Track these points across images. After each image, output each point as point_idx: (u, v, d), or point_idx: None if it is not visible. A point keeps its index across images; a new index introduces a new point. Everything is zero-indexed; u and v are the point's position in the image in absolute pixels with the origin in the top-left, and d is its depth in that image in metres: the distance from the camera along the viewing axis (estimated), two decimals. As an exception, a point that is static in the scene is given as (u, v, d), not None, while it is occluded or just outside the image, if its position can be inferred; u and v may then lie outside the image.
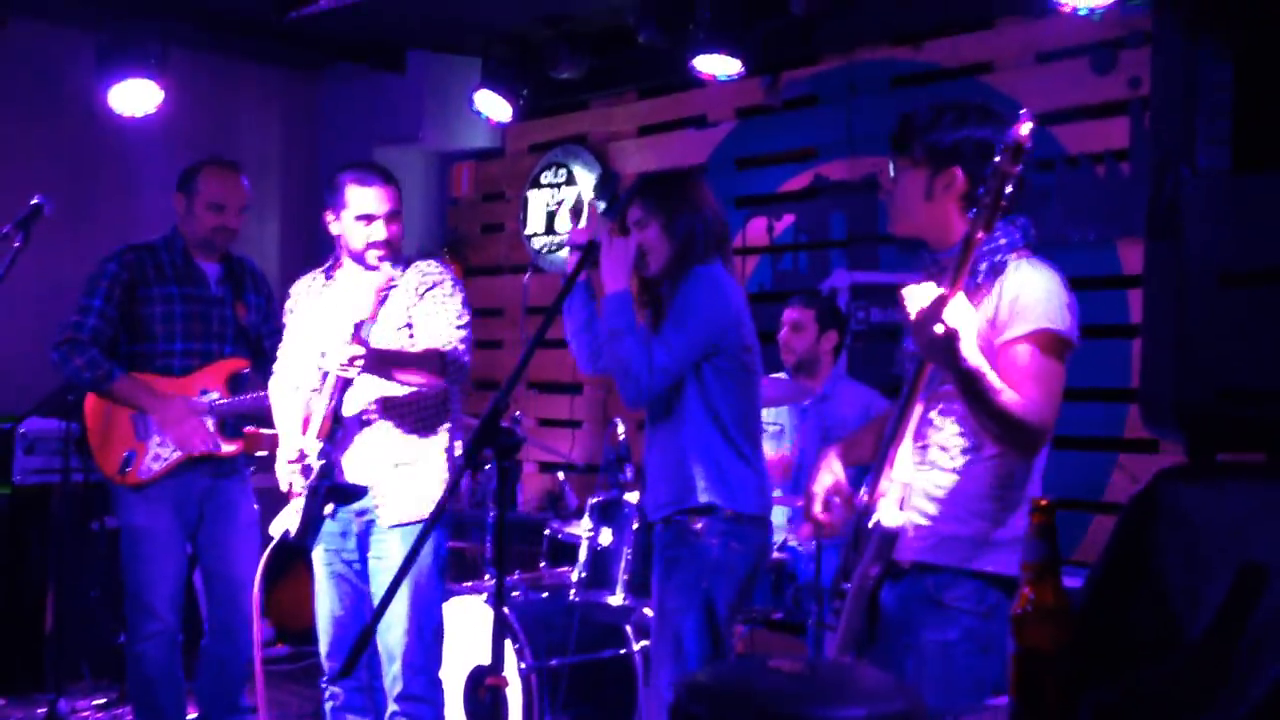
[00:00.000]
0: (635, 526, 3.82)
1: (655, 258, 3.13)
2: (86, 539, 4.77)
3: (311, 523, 3.30)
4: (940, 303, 2.05)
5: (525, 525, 5.13)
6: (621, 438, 4.14)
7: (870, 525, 2.29)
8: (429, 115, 6.09)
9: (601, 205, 3.18)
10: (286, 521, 3.33)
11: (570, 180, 6.08)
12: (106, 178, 5.65)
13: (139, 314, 3.90)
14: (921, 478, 2.31)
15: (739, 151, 5.43)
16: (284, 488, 3.37)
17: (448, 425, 3.47)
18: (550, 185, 6.17)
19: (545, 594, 4.22)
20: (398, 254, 3.42)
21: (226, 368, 3.99)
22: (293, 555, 3.49)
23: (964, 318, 2.07)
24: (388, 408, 3.38)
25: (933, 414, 2.31)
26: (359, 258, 3.40)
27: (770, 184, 5.30)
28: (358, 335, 3.18)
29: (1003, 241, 2.28)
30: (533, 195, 6.26)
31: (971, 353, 2.09)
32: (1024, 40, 4.46)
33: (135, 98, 4.99)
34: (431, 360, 3.32)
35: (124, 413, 3.90)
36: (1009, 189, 1.99)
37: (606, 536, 3.85)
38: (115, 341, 3.91)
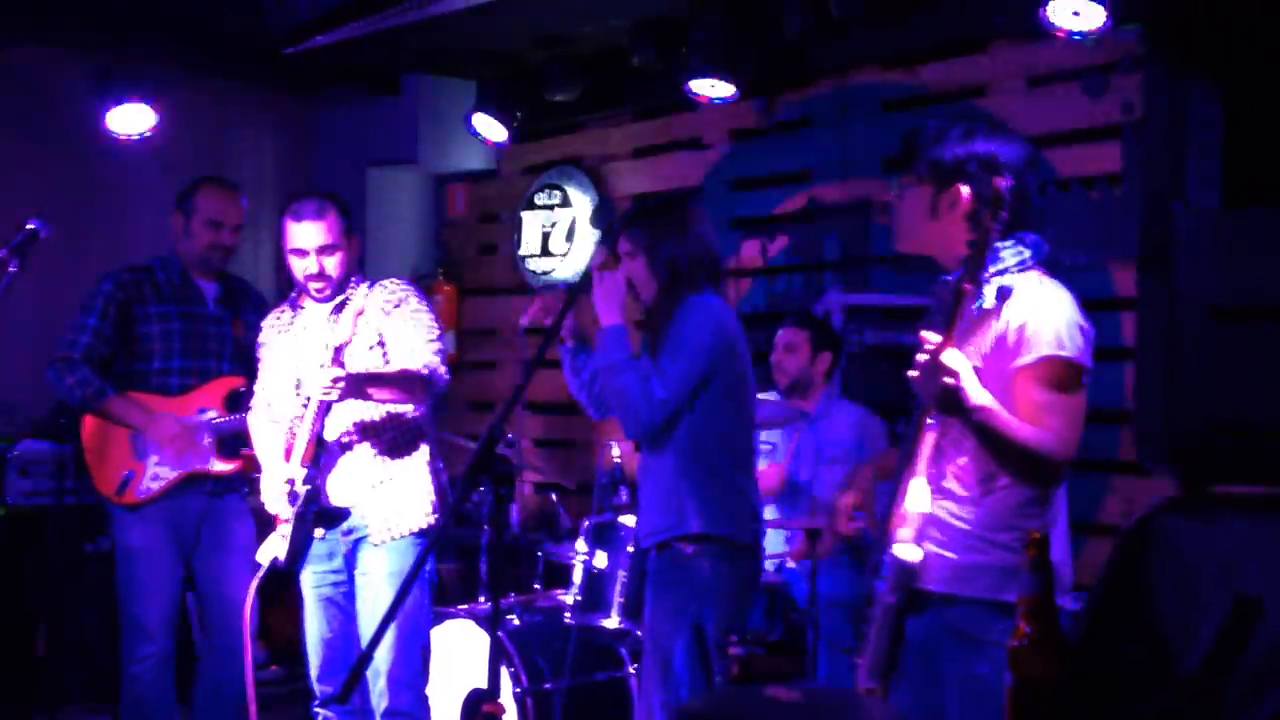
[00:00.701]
0: (630, 549, 3.82)
1: (644, 289, 3.16)
2: (80, 561, 4.76)
3: (300, 548, 3.34)
4: (934, 355, 2.04)
5: (519, 547, 5.12)
6: (616, 460, 4.15)
7: (888, 555, 2.26)
8: (424, 137, 6.11)
9: (596, 234, 3.23)
10: (274, 549, 3.36)
11: (565, 202, 6.10)
12: (103, 200, 5.66)
13: (137, 333, 3.92)
14: (939, 507, 2.26)
15: (733, 173, 5.45)
16: (273, 510, 3.40)
17: (427, 441, 3.52)
18: (545, 206, 6.19)
19: (540, 617, 4.22)
20: (340, 285, 3.47)
21: (224, 386, 4.00)
22: (286, 578, 3.51)
23: (961, 366, 2.06)
24: (366, 429, 3.43)
25: (945, 443, 2.27)
26: (304, 291, 3.48)
27: (764, 206, 5.32)
28: (338, 358, 3.22)
29: (1010, 263, 2.23)
30: (527, 216, 6.28)
31: (977, 396, 2.07)
32: (1017, 64, 4.48)
33: (132, 121, 5.02)
34: (411, 381, 3.36)
35: (122, 433, 3.90)
36: (993, 238, 2.00)
37: (601, 559, 3.85)
38: (110, 360, 3.92)
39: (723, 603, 3.07)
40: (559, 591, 4.38)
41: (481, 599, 4.59)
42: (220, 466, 3.94)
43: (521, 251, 6.28)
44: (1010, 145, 2.30)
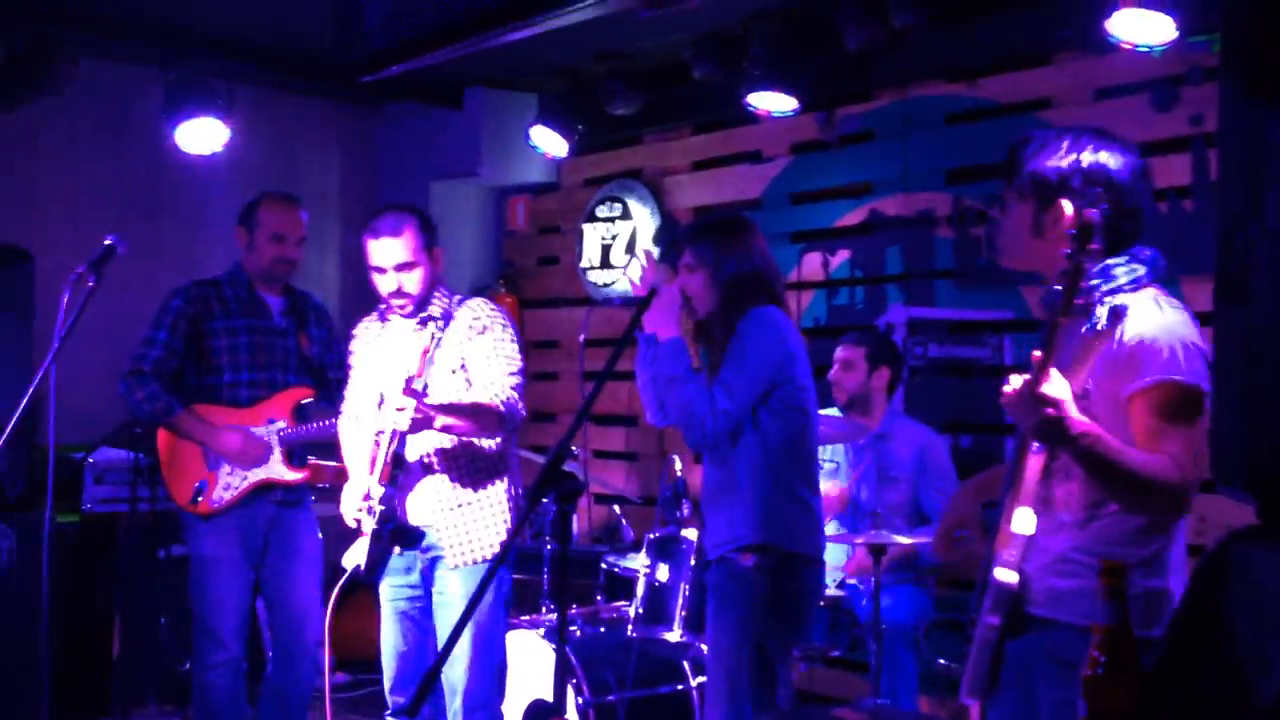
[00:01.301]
0: (693, 563, 3.83)
1: (701, 303, 3.19)
2: (153, 567, 4.86)
3: (378, 561, 3.36)
4: (1029, 389, 1.94)
5: (581, 558, 5.15)
6: (679, 474, 4.16)
7: (990, 577, 2.20)
8: (486, 150, 6.18)
9: (658, 253, 3.25)
10: (357, 556, 3.38)
11: (625, 214, 6.13)
12: (173, 214, 5.78)
13: (206, 347, 4.00)
14: (1044, 530, 2.18)
15: (794, 187, 5.45)
16: (350, 524, 3.42)
17: (508, 468, 3.52)
18: (605, 219, 6.22)
19: (602, 629, 4.24)
20: (422, 301, 3.46)
21: (292, 397, 4.07)
22: (359, 586, 3.55)
23: (1061, 395, 1.96)
24: (445, 453, 3.42)
25: (1054, 466, 2.17)
26: (390, 307, 3.49)
27: (825, 219, 5.31)
28: (408, 388, 3.22)
29: (1124, 280, 2.12)
30: (588, 229, 6.32)
31: (1079, 424, 1.97)
32: (1083, 76, 4.44)
33: (202, 136, 5.12)
34: (486, 415, 3.34)
35: (195, 444, 3.99)
36: (1088, 265, 1.90)
37: (664, 572, 3.86)
38: (179, 373, 4.00)
39: (784, 617, 3.07)
40: (621, 603, 4.40)
41: (544, 609, 4.62)
42: (289, 475, 4.01)
43: (582, 264, 6.33)
44: (1119, 155, 2.18)
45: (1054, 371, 1.97)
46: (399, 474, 3.39)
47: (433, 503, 3.43)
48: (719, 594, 3.13)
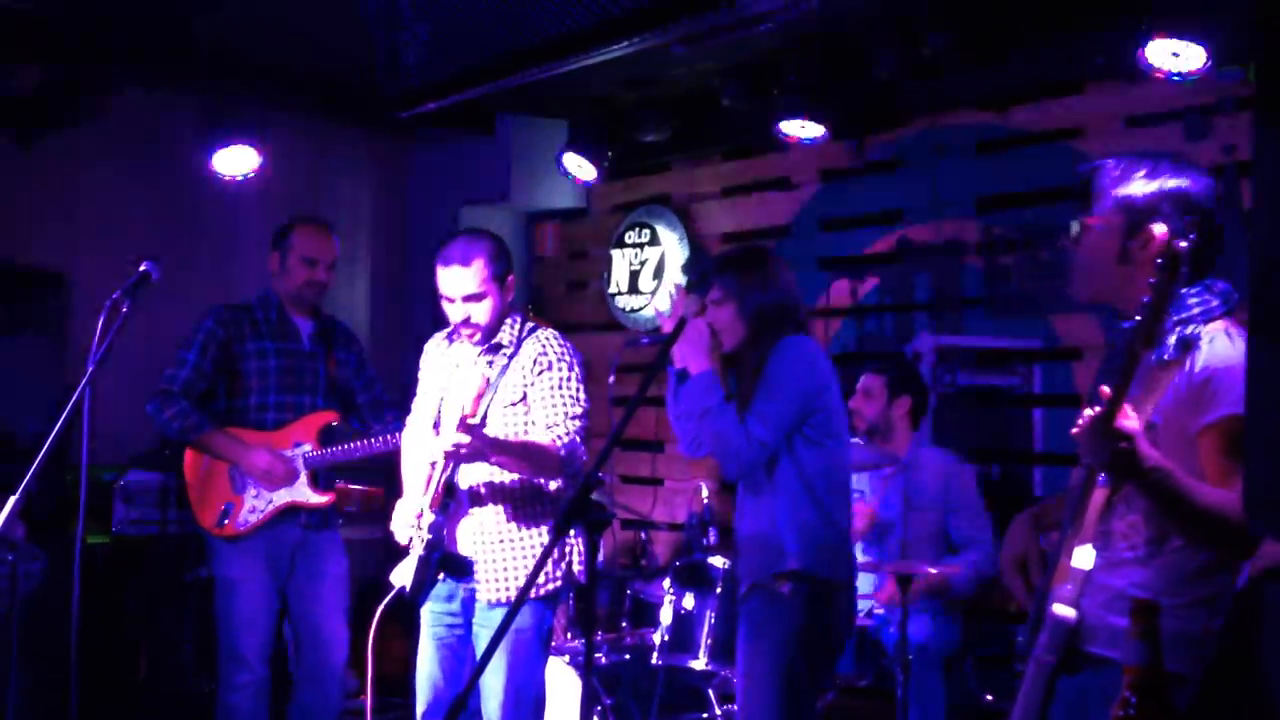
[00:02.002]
0: (719, 591, 3.82)
1: (729, 336, 3.19)
2: (180, 589, 4.88)
3: (422, 585, 3.31)
4: (1105, 417, 1.89)
5: (606, 584, 5.14)
6: (706, 500, 4.15)
7: (1048, 613, 2.14)
8: (516, 176, 6.21)
9: (686, 282, 3.24)
10: (404, 576, 3.30)
11: (654, 240, 6.14)
12: (206, 238, 5.83)
13: (235, 369, 4.03)
14: (1103, 566, 2.12)
15: (823, 213, 5.45)
16: (401, 541, 3.34)
17: (551, 504, 3.39)
18: (634, 245, 6.24)
19: (627, 655, 4.23)
20: (491, 331, 3.36)
21: (318, 420, 4.09)
22: (397, 609, 3.50)
23: (1133, 429, 1.90)
24: (498, 487, 3.34)
25: (1116, 499, 2.12)
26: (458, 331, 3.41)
27: (854, 246, 5.30)
28: (463, 424, 3.12)
29: (1196, 310, 2.07)
30: (616, 255, 6.33)
31: (1149, 456, 1.91)
32: (1114, 105, 4.42)
33: (236, 162, 5.17)
34: (546, 456, 3.26)
35: (221, 466, 4.01)
36: (1176, 289, 1.84)
37: (690, 600, 3.85)
38: (209, 395, 4.03)
39: (819, 644, 3.06)
40: (646, 630, 4.38)
41: (568, 636, 4.61)
42: (314, 499, 4.02)
43: (610, 289, 6.34)
44: (1201, 180, 2.13)
45: (1128, 408, 1.92)
46: (450, 502, 3.32)
47: (475, 534, 3.36)
48: (753, 620, 3.12)
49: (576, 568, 3.42)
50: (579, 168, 5.63)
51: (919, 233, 5.03)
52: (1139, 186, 2.13)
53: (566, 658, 4.08)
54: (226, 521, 3.97)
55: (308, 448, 4.03)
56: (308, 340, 4.17)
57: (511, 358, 3.35)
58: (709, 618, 3.80)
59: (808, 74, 4.73)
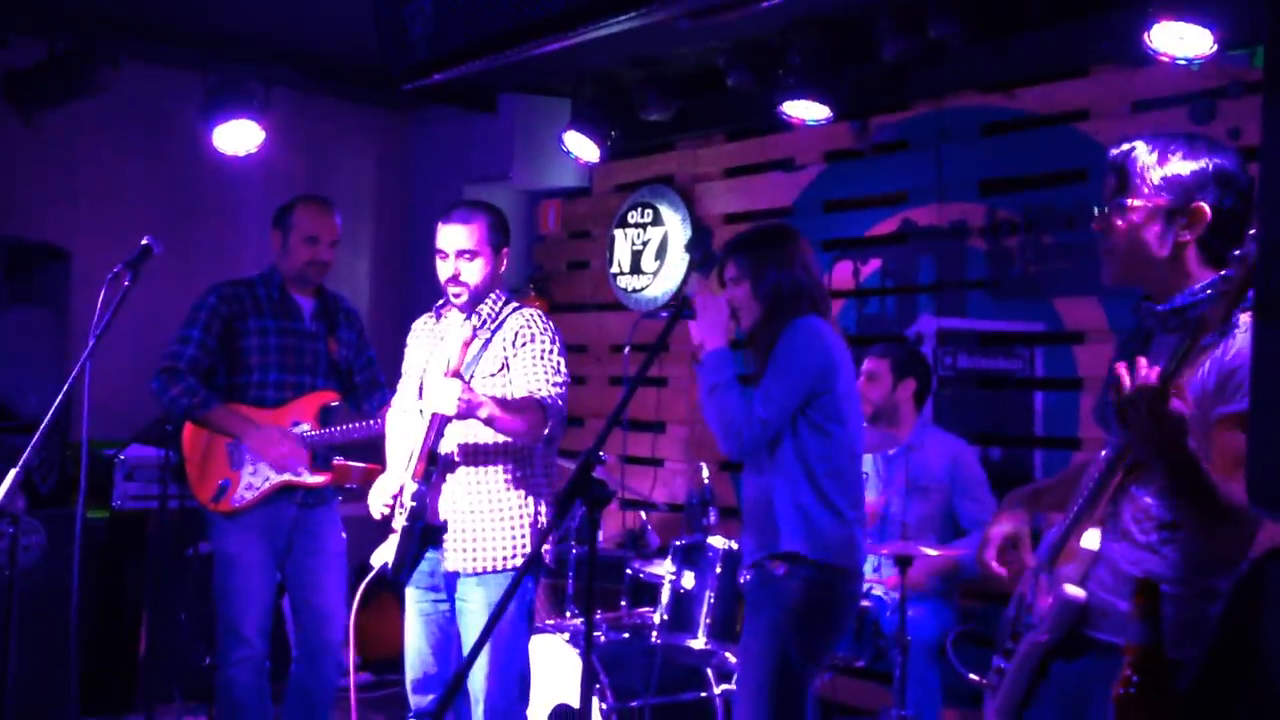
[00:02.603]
0: (719, 570, 3.83)
1: (745, 315, 3.20)
2: (181, 564, 4.90)
3: (406, 560, 3.36)
4: (1165, 388, 1.82)
5: (606, 563, 5.15)
6: (706, 481, 4.15)
7: (1052, 593, 2.13)
8: (519, 155, 6.19)
9: (689, 262, 3.25)
10: (386, 554, 3.39)
11: (656, 220, 6.13)
12: (208, 214, 5.83)
13: (236, 346, 4.02)
14: (1111, 549, 2.10)
15: (826, 195, 5.44)
16: (375, 515, 3.41)
17: (532, 482, 3.45)
18: (636, 225, 6.23)
19: (626, 634, 4.24)
20: (478, 295, 3.46)
21: (317, 400, 4.09)
22: (379, 584, 3.56)
23: (1187, 410, 1.86)
24: (476, 453, 3.40)
25: (1129, 481, 2.09)
26: (444, 297, 3.51)
27: (857, 228, 5.29)
28: (451, 371, 3.25)
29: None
30: (619, 234, 6.32)
31: (1190, 444, 1.88)
32: (1120, 89, 4.41)
33: (238, 138, 5.16)
34: (531, 409, 3.32)
35: (220, 442, 4.01)
36: (1250, 242, 1.76)
37: (689, 580, 3.86)
38: (212, 371, 4.03)
39: (813, 627, 3.06)
40: (646, 609, 4.40)
41: (568, 614, 4.62)
42: (311, 479, 4.02)
43: (612, 269, 6.33)
44: (1234, 157, 2.09)
45: (1184, 389, 1.88)
46: (433, 470, 3.38)
47: (448, 503, 3.42)
48: (752, 600, 3.16)
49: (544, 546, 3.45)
50: (581, 147, 5.62)
51: (922, 215, 5.02)
52: (1182, 165, 2.07)
53: (566, 635, 4.09)
54: (223, 497, 3.98)
55: (306, 427, 4.03)
56: (309, 319, 4.16)
57: (495, 330, 3.43)
58: (708, 597, 3.81)
59: (813, 55, 4.71)
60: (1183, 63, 3.81)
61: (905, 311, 5.11)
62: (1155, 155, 2.10)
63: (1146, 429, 1.84)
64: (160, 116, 5.65)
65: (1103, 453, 2.14)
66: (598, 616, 4.42)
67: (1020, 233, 4.65)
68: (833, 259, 5.34)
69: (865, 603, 4.07)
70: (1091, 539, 2.09)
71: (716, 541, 3.90)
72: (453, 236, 3.43)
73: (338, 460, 4.09)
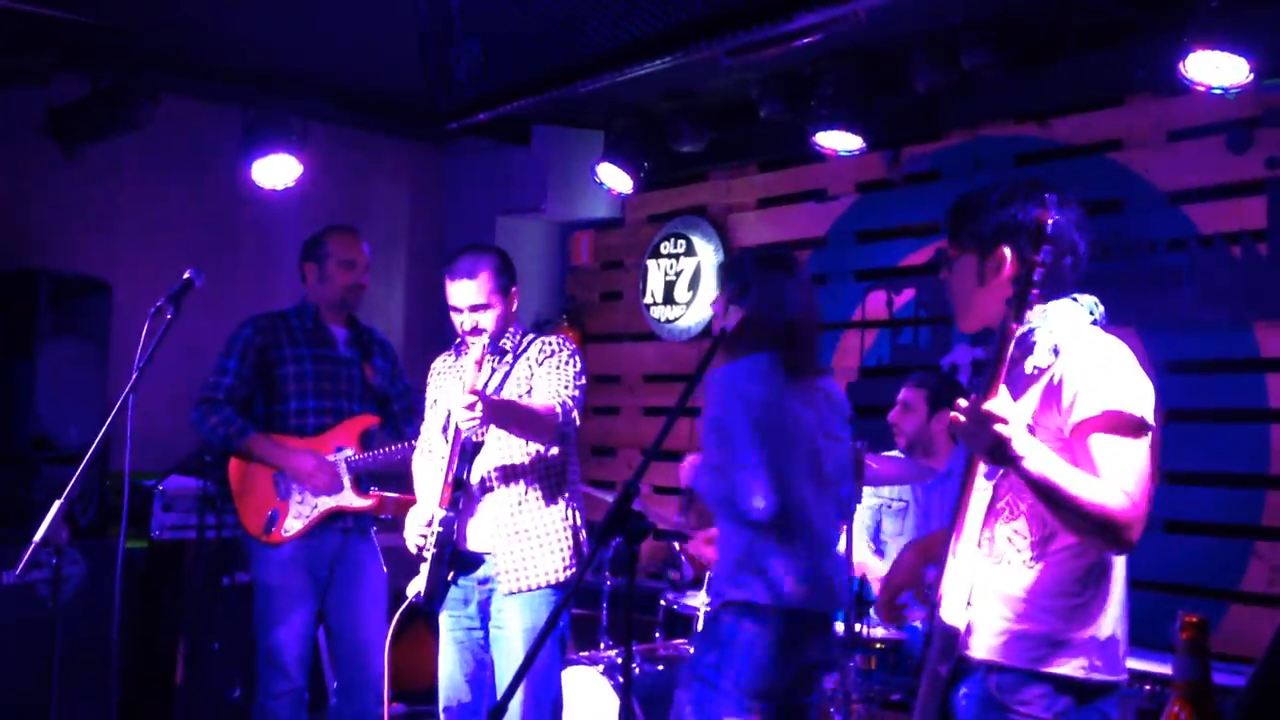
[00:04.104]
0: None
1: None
2: (217, 593, 4.92)
3: (437, 587, 3.39)
4: (977, 406, 1.99)
5: (641, 594, 5.14)
6: (740, 512, 4.13)
7: (936, 620, 2.19)
8: (552, 186, 6.23)
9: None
10: (419, 584, 3.42)
11: (689, 251, 6.15)
12: (247, 247, 5.89)
13: (273, 375, 4.07)
14: (989, 571, 2.19)
15: (859, 225, 5.44)
16: (412, 549, 3.45)
17: (567, 494, 3.53)
18: (669, 255, 6.25)
19: (661, 666, 4.22)
20: (496, 337, 3.54)
21: (358, 425, 4.12)
22: (413, 615, 3.58)
23: (1009, 414, 2.00)
24: (509, 475, 3.46)
25: (1000, 504, 2.20)
26: (465, 343, 3.60)
27: (890, 258, 5.29)
28: (471, 388, 3.28)
29: (1064, 321, 2.19)
30: (651, 265, 6.34)
31: (1029, 449, 2.01)
32: (1156, 118, 4.39)
33: (276, 172, 5.23)
34: (544, 416, 3.39)
35: (265, 473, 4.04)
36: (1037, 275, 1.98)
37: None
38: (250, 401, 4.07)
39: (745, 662, 2.98)
40: (680, 641, 4.37)
41: (602, 646, 4.61)
42: (358, 502, 4.05)
43: (645, 299, 6.35)
44: (1051, 206, 2.23)
45: (1003, 389, 2.02)
46: (460, 497, 3.42)
47: (491, 527, 3.45)
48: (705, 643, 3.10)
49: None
50: (614, 178, 5.65)
51: (956, 245, 5.00)
52: (989, 213, 2.28)
53: (601, 667, 4.08)
54: (274, 528, 4.00)
55: (349, 452, 4.06)
56: (343, 346, 4.21)
57: (517, 357, 3.53)
58: (744, 629, 3.78)
59: (845, 85, 4.72)
60: (1219, 92, 3.80)
61: (939, 342, 5.09)
62: (973, 203, 2.35)
63: (971, 436, 2.02)
64: (200, 151, 5.73)
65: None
66: (632, 648, 4.39)
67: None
68: (866, 289, 5.33)
69: (899, 634, 4.05)
70: (967, 562, 2.17)
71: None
72: (463, 293, 3.49)
73: (374, 491, 4.11)
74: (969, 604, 2.17)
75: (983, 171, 4.92)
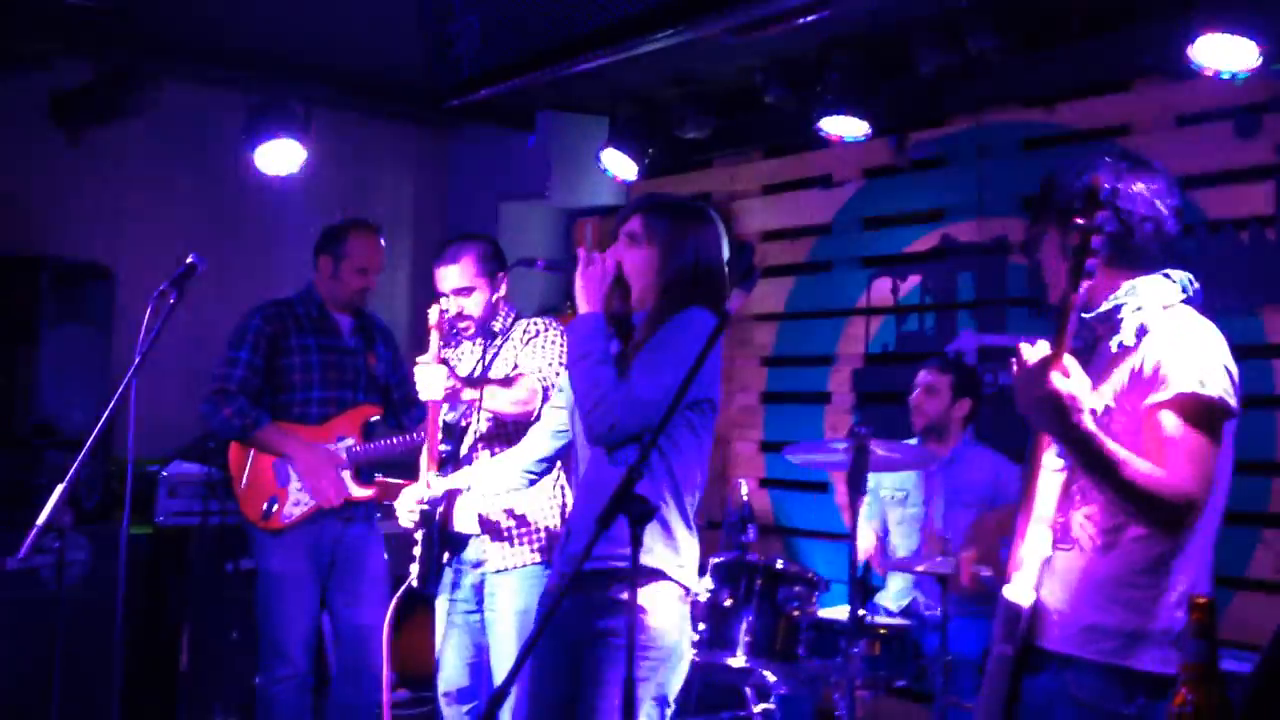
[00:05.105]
0: (758, 588, 3.80)
1: (637, 281, 2.76)
2: (222, 580, 4.93)
3: (430, 569, 3.41)
4: (1044, 364, 1.95)
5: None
6: (745, 498, 4.13)
7: (1000, 599, 2.16)
8: (556, 173, 6.20)
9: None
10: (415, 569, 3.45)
11: (694, 237, 6.12)
12: (249, 233, 5.88)
13: (279, 364, 4.07)
14: (1060, 556, 2.13)
15: (865, 211, 5.41)
16: (404, 524, 3.46)
17: (555, 474, 3.50)
18: (674, 242, 6.22)
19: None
20: (483, 323, 3.63)
21: (361, 415, 4.12)
22: (416, 600, 3.59)
23: (1070, 381, 1.96)
24: (492, 450, 3.49)
25: (1075, 488, 2.14)
26: (458, 331, 3.69)
27: (896, 244, 5.26)
28: (437, 358, 3.44)
29: (1151, 298, 2.13)
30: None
31: (1082, 419, 1.96)
32: (1163, 103, 4.36)
33: (280, 157, 5.21)
34: (522, 382, 3.47)
35: (265, 460, 4.04)
36: (1095, 241, 1.94)
37: (728, 597, 3.83)
38: (261, 391, 4.07)
39: (681, 656, 2.72)
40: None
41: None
42: (358, 492, 4.05)
43: (649, 286, 6.32)
44: (1142, 178, 2.18)
45: (1070, 360, 1.97)
46: (449, 467, 3.48)
47: (480, 508, 3.48)
48: (597, 622, 2.65)
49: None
50: (618, 165, 5.62)
51: (962, 231, 4.99)
52: (1072, 186, 2.19)
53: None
54: (272, 514, 4.00)
55: (351, 442, 4.06)
56: (348, 336, 4.20)
57: (504, 337, 3.62)
58: (747, 615, 3.78)
59: (850, 71, 4.69)
60: (1227, 76, 3.77)
61: (945, 328, 5.07)
62: (1057, 180, 2.27)
63: (1025, 400, 1.97)
64: (203, 136, 5.72)
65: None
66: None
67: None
68: (871, 275, 5.31)
69: (906, 621, 4.04)
70: (1040, 545, 2.12)
71: (755, 558, 3.88)
72: (445, 277, 3.60)
73: (379, 477, 4.11)
74: (1037, 587, 2.12)
75: (989, 157, 4.90)
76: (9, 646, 4.25)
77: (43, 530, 3.00)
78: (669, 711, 2.66)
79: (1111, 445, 1.98)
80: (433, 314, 3.55)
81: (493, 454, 3.48)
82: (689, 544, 2.72)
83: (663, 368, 2.58)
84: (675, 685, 2.68)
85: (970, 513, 4.17)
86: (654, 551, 2.62)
